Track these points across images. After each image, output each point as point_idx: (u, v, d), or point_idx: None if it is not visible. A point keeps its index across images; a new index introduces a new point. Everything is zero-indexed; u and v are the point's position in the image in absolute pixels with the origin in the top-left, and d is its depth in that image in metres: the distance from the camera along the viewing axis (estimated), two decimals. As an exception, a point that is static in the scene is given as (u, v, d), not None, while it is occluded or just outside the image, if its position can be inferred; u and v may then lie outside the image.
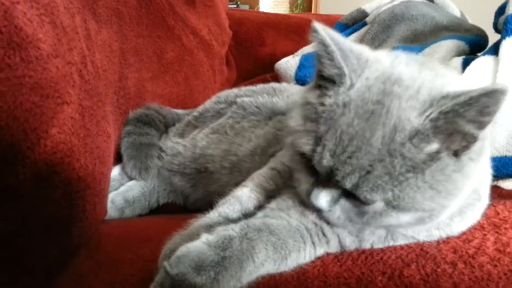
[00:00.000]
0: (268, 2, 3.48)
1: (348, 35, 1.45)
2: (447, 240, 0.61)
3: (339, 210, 0.56)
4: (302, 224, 0.61)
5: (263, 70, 2.03)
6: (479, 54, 1.25)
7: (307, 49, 1.52)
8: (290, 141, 0.59)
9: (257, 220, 0.59)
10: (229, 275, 0.53)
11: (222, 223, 0.62)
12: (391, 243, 0.61)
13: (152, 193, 1.00)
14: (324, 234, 0.61)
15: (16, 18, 0.55)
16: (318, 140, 0.54)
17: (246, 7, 4.53)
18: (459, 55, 1.18)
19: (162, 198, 1.03)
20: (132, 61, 1.06)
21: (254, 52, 2.12)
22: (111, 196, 0.91)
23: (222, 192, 0.83)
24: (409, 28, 1.32)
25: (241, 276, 0.54)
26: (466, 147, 0.52)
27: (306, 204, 0.60)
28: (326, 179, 0.54)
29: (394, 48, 1.22)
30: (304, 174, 0.58)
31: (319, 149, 0.53)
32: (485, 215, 0.65)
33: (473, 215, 0.63)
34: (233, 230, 0.56)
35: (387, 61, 0.56)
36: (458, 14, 1.50)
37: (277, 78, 1.57)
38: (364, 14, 1.53)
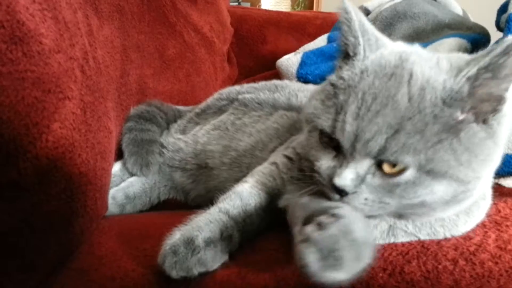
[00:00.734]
0: (270, 0, 3.47)
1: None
2: (448, 237, 0.62)
3: (366, 190, 0.53)
4: None
5: (264, 68, 2.03)
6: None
7: (308, 47, 1.52)
8: (308, 129, 0.59)
9: None
10: None
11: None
12: (392, 240, 0.61)
13: (153, 189, 1.00)
14: None
15: (18, 12, 0.55)
16: (338, 110, 0.54)
17: (247, 4, 4.51)
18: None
19: (163, 194, 1.03)
20: (133, 58, 1.06)
21: (256, 49, 2.12)
22: (112, 192, 0.92)
23: (222, 188, 0.84)
24: (411, 26, 1.31)
25: None
26: (495, 111, 0.52)
27: (326, 194, 0.57)
28: (350, 153, 0.53)
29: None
30: (325, 156, 0.57)
31: (340, 117, 0.53)
32: (487, 213, 0.65)
33: (479, 215, 0.63)
34: None
35: (403, 47, 0.60)
36: (460, 12, 1.50)
37: (278, 75, 1.57)
38: (366, 12, 1.53)
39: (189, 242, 0.56)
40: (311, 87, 1.03)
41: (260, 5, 3.71)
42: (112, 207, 0.90)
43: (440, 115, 0.50)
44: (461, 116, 0.51)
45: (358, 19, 0.56)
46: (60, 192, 0.60)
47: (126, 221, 0.81)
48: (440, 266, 0.56)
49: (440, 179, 0.51)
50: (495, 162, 0.55)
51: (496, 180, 0.89)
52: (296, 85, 1.05)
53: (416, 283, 0.54)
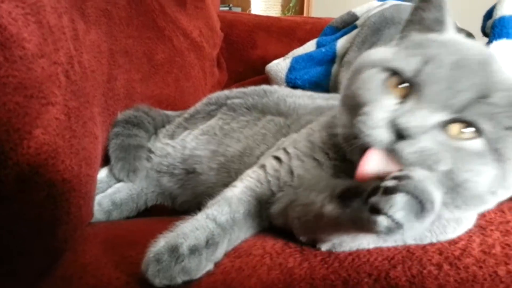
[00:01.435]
0: (260, 5, 3.49)
1: (338, 38, 1.45)
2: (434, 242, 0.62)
3: (429, 140, 0.51)
4: None
5: (254, 73, 2.03)
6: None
7: (297, 52, 1.52)
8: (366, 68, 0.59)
9: None
10: None
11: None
12: (381, 243, 0.61)
13: (140, 195, 0.99)
14: None
15: (0, 17, 0.54)
16: (428, 58, 0.54)
17: (238, 9, 4.53)
18: (448, 58, 1.19)
19: (150, 200, 1.02)
20: (121, 62, 1.05)
21: (246, 54, 2.12)
22: (98, 198, 0.91)
23: (210, 194, 0.83)
24: (399, 32, 1.32)
25: None
26: None
27: (366, 144, 0.53)
28: (428, 101, 0.52)
29: (384, 51, 1.22)
30: (385, 100, 0.55)
31: (431, 64, 0.53)
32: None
33: (468, 224, 0.63)
34: None
35: None
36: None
37: (268, 80, 1.57)
38: (355, 17, 1.54)
39: (173, 250, 0.55)
40: (300, 93, 1.03)
41: (250, 10, 3.73)
42: (98, 214, 0.89)
43: None
44: None
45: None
46: (43, 199, 0.59)
47: (112, 228, 0.80)
48: (425, 271, 0.56)
49: (498, 164, 0.51)
50: None
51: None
52: (285, 91, 1.05)
53: (402, 288, 0.54)
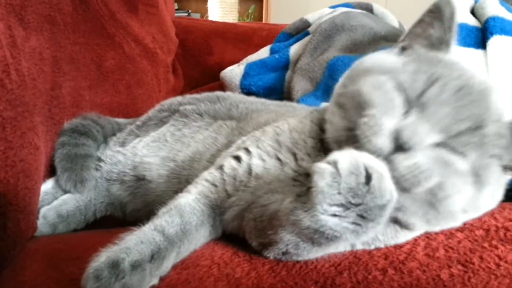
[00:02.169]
0: (217, 11, 3.48)
1: (291, 44, 1.47)
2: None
3: (424, 156, 0.53)
4: None
5: (211, 79, 2.02)
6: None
7: (251, 58, 1.52)
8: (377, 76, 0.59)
9: None
10: None
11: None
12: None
13: (88, 206, 0.96)
14: None
15: None
16: (434, 79, 0.56)
17: (197, 15, 4.51)
18: (396, 64, 1.21)
19: (100, 211, 0.99)
20: (67, 69, 1.01)
21: (202, 60, 2.11)
22: (43, 211, 0.87)
23: (160, 203, 0.81)
24: (349, 38, 1.34)
25: None
26: None
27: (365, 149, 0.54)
28: (428, 119, 0.54)
29: (335, 57, 1.24)
30: (390, 108, 0.56)
31: (437, 85, 0.56)
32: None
33: (419, 232, 0.64)
34: None
35: None
36: (396, 25, 1.55)
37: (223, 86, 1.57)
38: (307, 24, 1.55)
39: (114, 266, 0.52)
40: (253, 99, 1.03)
41: (207, 16, 3.71)
42: (43, 227, 0.85)
43: (504, 138, 0.56)
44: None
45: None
46: (-25, 215, 0.56)
47: (55, 242, 0.77)
48: (370, 276, 0.56)
49: (476, 187, 0.55)
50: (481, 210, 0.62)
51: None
52: (238, 97, 1.04)
53: (345, 294, 0.54)
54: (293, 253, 0.58)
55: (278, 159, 0.68)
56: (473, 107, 0.55)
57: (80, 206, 0.94)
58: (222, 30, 2.19)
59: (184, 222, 0.63)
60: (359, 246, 0.62)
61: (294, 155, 0.67)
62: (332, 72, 1.16)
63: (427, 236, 0.64)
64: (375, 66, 0.62)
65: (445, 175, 0.53)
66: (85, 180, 0.94)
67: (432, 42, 0.64)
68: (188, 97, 1.09)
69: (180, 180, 0.84)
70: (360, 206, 0.48)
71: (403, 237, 0.62)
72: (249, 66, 1.43)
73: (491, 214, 0.69)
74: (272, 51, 1.50)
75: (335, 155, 0.50)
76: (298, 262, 0.60)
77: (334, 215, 0.49)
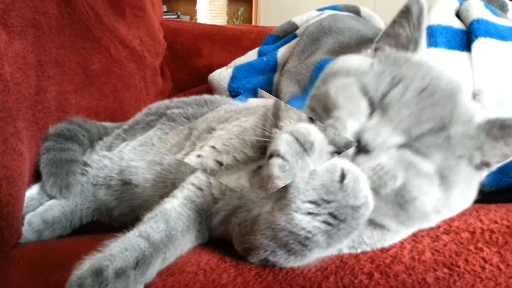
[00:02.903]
0: (206, 14, 3.47)
1: (279, 47, 1.47)
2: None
3: (387, 157, 0.54)
4: None
5: (200, 81, 2.01)
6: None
7: (239, 61, 1.52)
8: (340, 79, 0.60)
9: None
10: None
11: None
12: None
13: (74, 212, 0.95)
14: None
15: None
16: (396, 81, 0.56)
17: (187, 18, 4.50)
18: (383, 66, 1.22)
19: (86, 217, 0.98)
20: (52, 73, 1.00)
21: (191, 63, 2.10)
22: (28, 217, 0.86)
23: (146, 207, 0.80)
24: (336, 41, 1.35)
25: None
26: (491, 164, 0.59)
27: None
28: (391, 120, 0.54)
29: (322, 60, 1.25)
30: (354, 110, 0.56)
31: (400, 87, 0.56)
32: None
33: (405, 234, 0.64)
34: None
35: None
36: (383, 27, 1.55)
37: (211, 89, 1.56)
38: (294, 27, 1.56)
39: (97, 274, 0.52)
40: (241, 104, 1.03)
41: (196, 19, 3.71)
42: (28, 234, 0.84)
43: (474, 138, 0.56)
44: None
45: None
46: (-45, 223, 0.55)
47: (39, 249, 0.76)
48: (356, 281, 0.56)
49: (443, 188, 0.55)
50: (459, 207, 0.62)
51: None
52: (226, 100, 1.04)
53: (333, 299, 0.54)
54: (272, 261, 0.58)
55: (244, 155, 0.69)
56: (436, 108, 0.55)
57: (66, 212, 0.93)
58: (210, 33, 2.18)
59: (169, 227, 0.62)
60: (345, 250, 0.62)
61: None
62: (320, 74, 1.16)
63: (414, 239, 0.64)
64: (344, 68, 0.63)
65: (409, 176, 0.54)
66: (71, 185, 0.94)
67: (401, 42, 0.64)
68: (175, 100, 1.08)
69: (166, 184, 0.84)
70: (332, 203, 0.49)
71: (390, 240, 0.63)
72: (237, 69, 1.42)
73: (477, 216, 0.70)
74: (260, 54, 1.50)
75: None
76: (285, 267, 0.60)
77: (308, 213, 0.50)
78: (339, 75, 0.61)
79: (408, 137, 0.55)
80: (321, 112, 0.59)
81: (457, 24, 1.02)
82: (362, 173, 0.51)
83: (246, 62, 1.46)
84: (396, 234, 0.63)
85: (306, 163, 0.50)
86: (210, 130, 0.79)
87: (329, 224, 0.50)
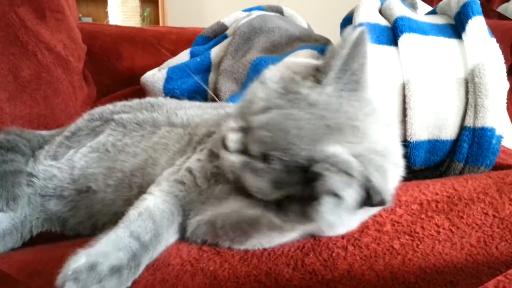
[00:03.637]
0: (118, 15, 3.37)
1: (211, 47, 1.50)
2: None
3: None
4: None
5: (122, 85, 1.98)
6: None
7: (172, 62, 1.53)
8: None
9: None
10: None
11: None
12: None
13: (24, 223, 0.91)
14: None
15: None
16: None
17: (89, 19, 4.30)
18: (313, 63, 1.31)
19: (36, 227, 0.94)
20: (-15, 82, 0.95)
21: (112, 66, 2.05)
22: (-23, 233, 0.82)
23: (107, 212, 0.81)
24: (268, 40, 1.41)
25: None
26: None
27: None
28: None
29: (258, 58, 1.30)
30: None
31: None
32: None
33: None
34: None
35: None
36: (305, 26, 1.66)
37: (139, 92, 1.55)
38: (224, 27, 1.60)
39: (93, 269, 0.54)
40: (188, 104, 1.04)
41: (108, 21, 3.59)
42: (-20, 249, 0.80)
43: None
44: None
45: (351, 54, 0.59)
46: None
47: (3, 262, 0.73)
48: (334, 254, 0.62)
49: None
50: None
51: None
52: (172, 103, 1.05)
53: (318, 272, 0.60)
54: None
55: None
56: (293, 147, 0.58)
57: (15, 224, 0.89)
58: (129, 35, 2.15)
59: (156, 227, 0.65)
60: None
61: None
62: (256, 72, 1.21)
63: (373, 214, 0.72)
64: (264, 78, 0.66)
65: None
66: (18, 197, 0.90)
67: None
68: (119, 105, 1.07)
69: (131, 188, 0.84)
70: None
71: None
72: (171, 70, 1.43)
73: (419, 190, 0.79)
74: (193, 55, 1.52)
75: None
76: (265, 250, 0.65)
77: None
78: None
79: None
80: None
81: (383, 22, 1.13)
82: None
83: (179, 62, 1.47)
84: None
85: None
86: (210, 134, 0.81)
87: None
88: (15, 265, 0.70)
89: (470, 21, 1.05)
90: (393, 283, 0.58)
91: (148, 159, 0.86)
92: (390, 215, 0.71)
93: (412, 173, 1.10)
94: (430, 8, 1.35)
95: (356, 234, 0.67)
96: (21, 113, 1.12)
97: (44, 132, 1.12)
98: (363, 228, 0.68)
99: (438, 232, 0.65)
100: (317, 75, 0.60)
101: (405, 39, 1.04)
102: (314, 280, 0.59)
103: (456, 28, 1.11)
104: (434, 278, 0.59)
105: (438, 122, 1.01)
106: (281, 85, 0.60)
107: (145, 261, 0.61)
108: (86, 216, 0.91)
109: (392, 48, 1.06)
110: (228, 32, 1.53)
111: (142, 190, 0.77)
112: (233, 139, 0.60)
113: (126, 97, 1.12)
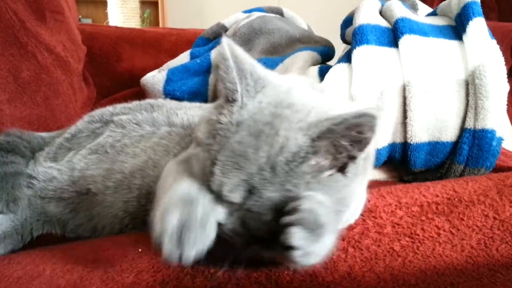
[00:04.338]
0: (118, 17, 3.37)
1: (211, 48, 1.50)
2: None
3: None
4: None
5: (122, 86, 1.98)
6: (329, 62, 1.41)
7: (172, 64, 1.53)
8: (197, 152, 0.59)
9: None
10: None
11: None
12: None
13: (24, 225, 0.91)
14: None
15: None
16: (213, 157, 0.54)
17: (89, 21, 4.31)
18: (313, 64, 1.31)
19: (36, 229, 0.94)
20: (-15, 83, 0.95)
21: (112, 68, 2.05)
22: (-22, 235, 0.82)
23: (107, 214, 0.80)
24: (268, 41, 1.42)
25: None
26: (349, 164, 0.55)
27: None
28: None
29: (258, 59, 1.30)
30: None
31: (215, 169, 0.54)
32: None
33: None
34: None
35: (284, 88, 0.59)
36: (305, 27, 1.66)
37: (139, 93, 1.55)
38: (224, 29, 1.60)
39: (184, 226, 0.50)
40: (188, 104, 1.04)
41: (107, 22, 3.59)
42: (-19, 252, 0.80)
43: (293, 171, 0.53)
44: (309, 168, 0.54)
45: (237, 65, 0.56)
46: None
47: (5, 263, 0.72)
48: (334, 256, 0.62)
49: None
50: (352, 206, 0.63)
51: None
52: (172, 104, 1.05)
53: (318, 274, 0.60)
54: None
55: None
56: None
57: (16, 226, 0.89)
58: (129, 36, 2.15)
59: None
60: None
61: None
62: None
63: (373, 216, 0.72)
64: None
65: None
66: (18, 199, 0.90)
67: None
68: (119, 106, 1.07)
69: (131, 190, 0.84)
70: None
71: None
72: (172, 72, 1.43)
73: (419, 192, 0.79)
74: (193, 56, 1.52)
75: None
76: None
77: None
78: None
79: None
80: None
81: (383, 23, 1.13)
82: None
83: (179, 64, 1.47)
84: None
85: None
86: None
87: None
88: (25, 269, 0.69)
89: (470, 23, 1.05)
90: (393, 285, 0.58)
91: (148, 161, 0.85)
92: (390, 217, 0.71)
93: (412, 175, 1.11)
94: (430, 10, 1.36)
95: (357, 236, 0.67)
96: (21, 115, 1.12)
97: (44, 134, 1.12)
98: (364, 230, 0.68)
99: (439, 234, 0.65)
100: (227, 98, 0.57)
101: (405, 40, 1.04)
102: (315, 283, 0.59)
103: (456, 30, 1.11)
104: (434, 280, 0.59)
105: (438, 124, 1.01)
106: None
107: None
108: (86, 218, 0.91)
109: (392, 50, 1.06)
110: (228, 33, 1.54)
111: (141, 192, 0.76)
112: None
113: (126, 98, 1.13)
